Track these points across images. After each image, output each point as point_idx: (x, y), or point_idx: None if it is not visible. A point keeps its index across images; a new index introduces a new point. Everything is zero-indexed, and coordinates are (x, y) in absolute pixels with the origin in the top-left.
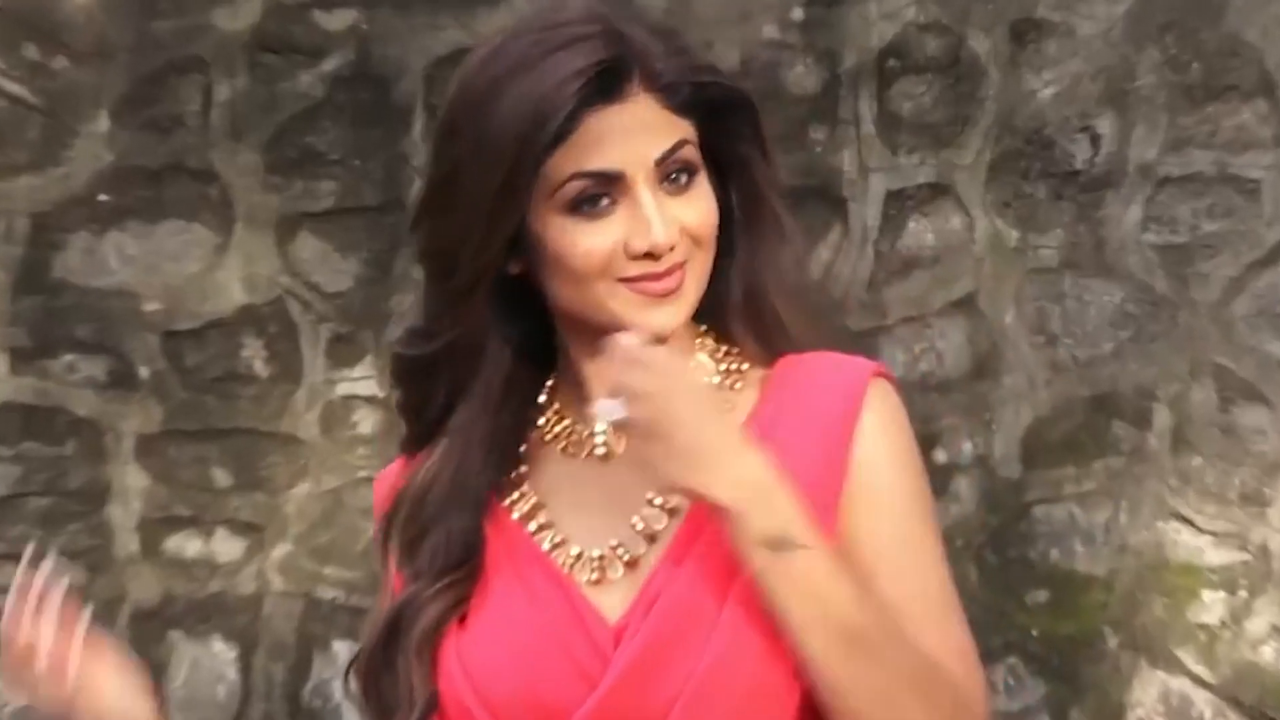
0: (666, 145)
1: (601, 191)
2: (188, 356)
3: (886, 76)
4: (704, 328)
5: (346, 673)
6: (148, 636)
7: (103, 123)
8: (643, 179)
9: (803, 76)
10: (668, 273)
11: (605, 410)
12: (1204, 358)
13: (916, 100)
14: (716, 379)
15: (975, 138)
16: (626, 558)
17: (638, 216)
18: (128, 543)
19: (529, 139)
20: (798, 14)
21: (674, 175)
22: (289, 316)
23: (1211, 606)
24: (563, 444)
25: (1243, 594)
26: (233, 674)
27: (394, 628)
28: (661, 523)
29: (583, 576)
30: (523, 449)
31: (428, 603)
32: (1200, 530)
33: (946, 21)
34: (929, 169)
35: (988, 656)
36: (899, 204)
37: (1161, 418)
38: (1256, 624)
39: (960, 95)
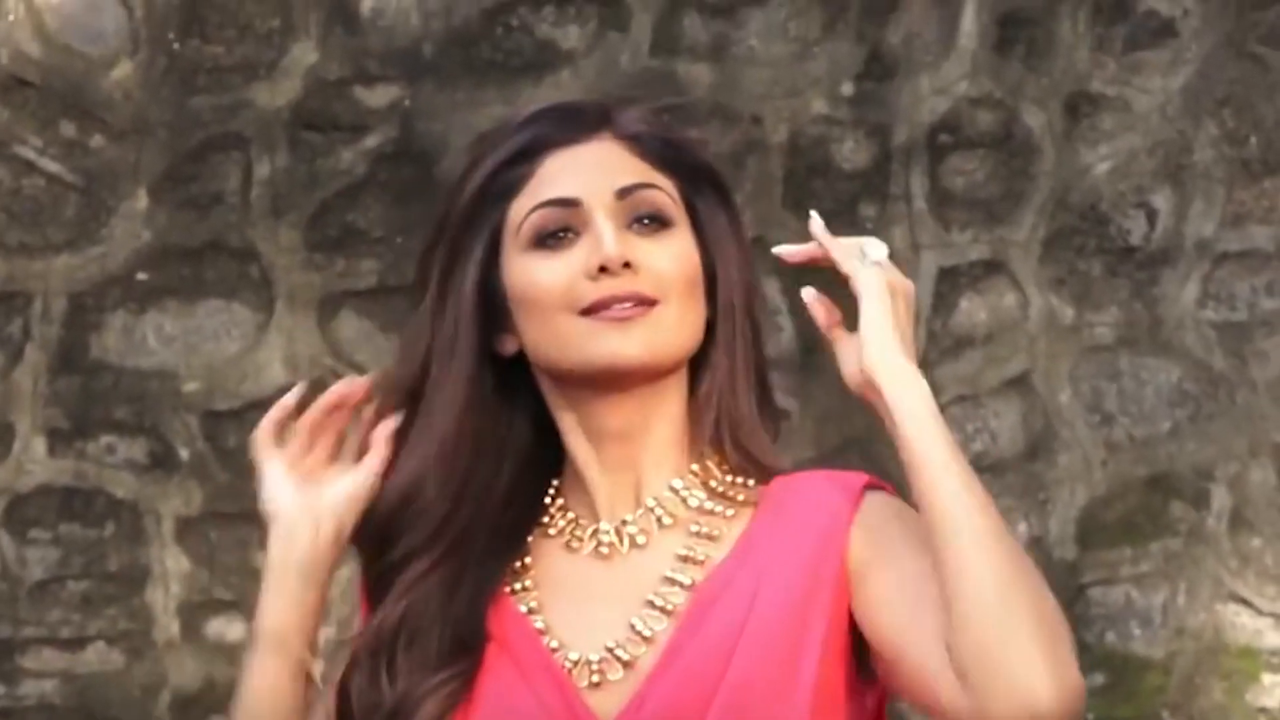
0: (630, 180)
1: (563, 224)
2: (228, 438)
3: (938, 152)
4: (706, 447)
5: None
6: None
7: (141, 200)
8: (601, 207)
9: (853, 152)
10: (628, 296)
11: (873, 248)
12: (1263, 437)
13: (969, 176)
14: (696, 501)
15: (1029, 214)
16: (625, 658)
17: (594, 237)
18: (168, 626)
19: (487, 185)
20: (848, 89)
21: (644, 219)
22: None
23: (1272, 690)
24: (566, 539)
25: None
26: None
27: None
28: (660, 624)
29: (583, 681)
30: (530, 539)
31: (425, 697)
32: (1260, 613)
33: (1000, 95)
34: (982, 246)
35: None
36: (952, 281)
37: (1220, 498)
38: None
39: (1014, 171)
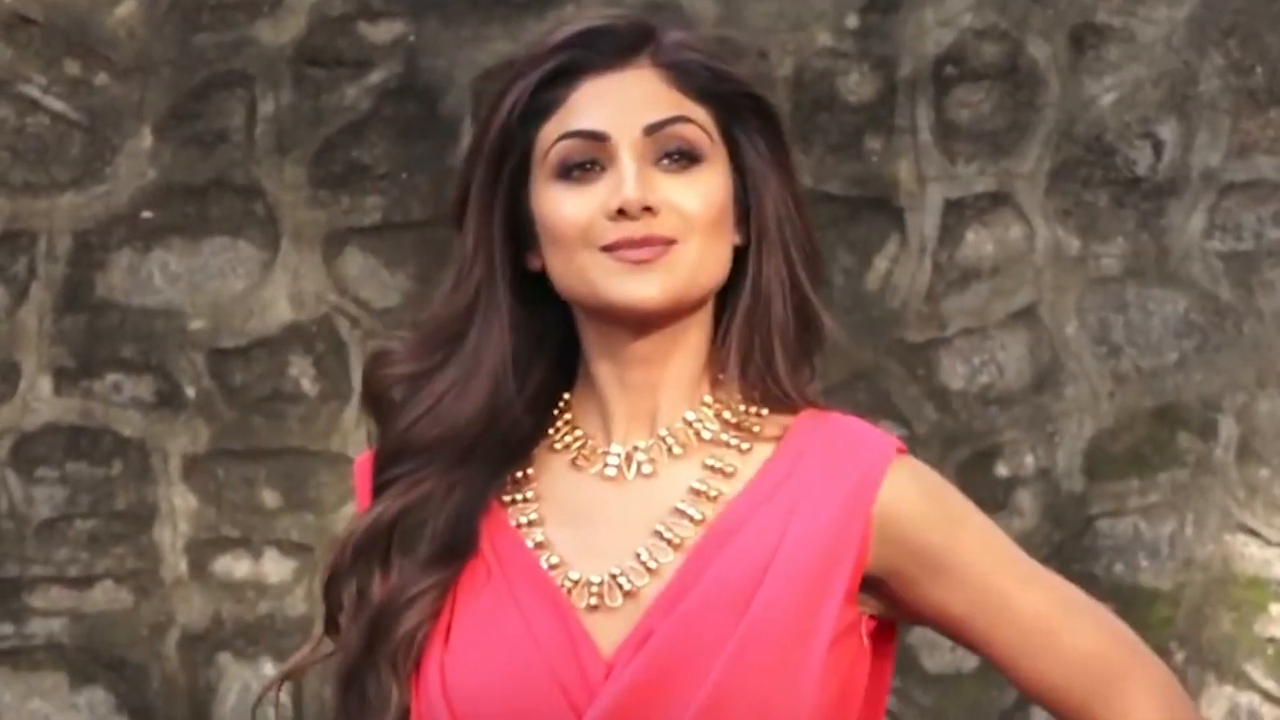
0: (660, 116)
1: (589, 157)
2: (235, 375)
3: (944, 84)
4: (727, 378)
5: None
6: (197, 660)
7: (145, 139)
8: (627, 144)
9: (858, 85)
10: (645, 240)
11: None
12: (1270, 367)
13: (974, 108)
14: (709, 434)
15: (1035, 145)
16: (627, 587)
17: (618, 176)
18: (176, 564)
19: (520, 101)
20: (852, 21)
21: (673, 154)
22: (337, 334)
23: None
24: (573, 455)
25: None
26: (284, 697)
27: (376, 624)
28: (667, 556)
29: (581, 602)
30: (533, 452)
31: (409, 605)
32: (1268, 543)
33: (1005, 27)
34: (988, 178)
35: None
36: (958, 214)
37: (1227, 428)
38: None
39: (1019, 102)
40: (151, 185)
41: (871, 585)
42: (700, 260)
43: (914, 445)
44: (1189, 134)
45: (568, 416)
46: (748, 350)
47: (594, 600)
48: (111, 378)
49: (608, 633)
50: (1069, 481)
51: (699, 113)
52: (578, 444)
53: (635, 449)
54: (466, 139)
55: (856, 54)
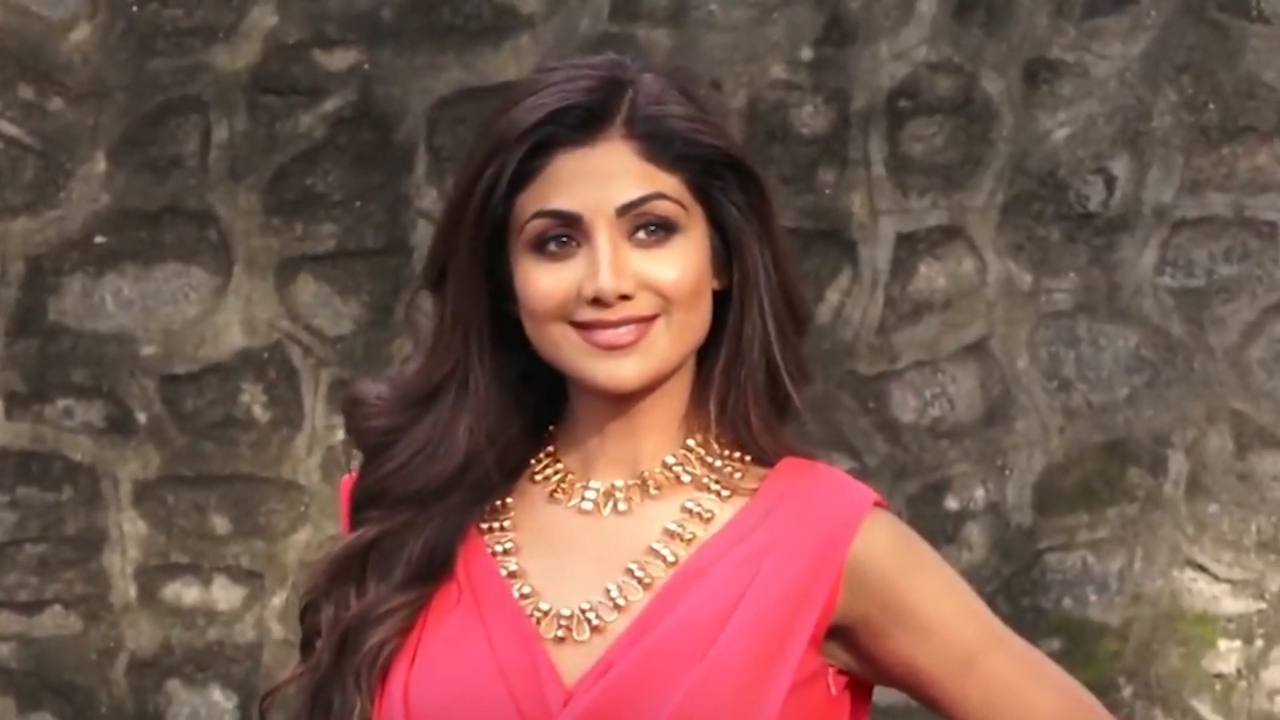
0: (634, 195)
1: (564, 233)
2: (186, 401)
3: (897, 117)
4: (709, 426)
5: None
6: (146, 686)
7: (99, 164)
8: (603, 224)
9: (812, 117)
10: (620, 323)
11: None
12: (1220, 403)
13: (928, 141)
14: (689, 478)
15: (988, 179)
16: (595, 622)
17: (592, 260)
18: (125, 590)
19: (498, 174)
20: (807, 54)
21: (649, 228)
22: (289, 361)
23: (1227, 656)
24: (551, 488)
25: (1259, 643)
26: None
27: (345, 642)
28: (636, 594)
29: (549, 633)
30: (515, 482)
31: (379, 622)
32: (1216, 579)
33: (959, 61)
34: (940, 211)
35: None
36: (910, 247)
37: (1177, 464)
38: (1274, 673)
39: (972, 136)
40: (105, 210)
41: (840, 635)
42: (680, 333)
43: (864, 477)
44: (1141, 170)
45: (550, 449)
46: (724, 400)
47: (561, 632)
48: (63, 403)
49: (572, 664)
50: (1018, 515)
51: (671, 183)
52: (557, 477)
53: (614, 486)
54: (420, 167)
55: (810, 86)
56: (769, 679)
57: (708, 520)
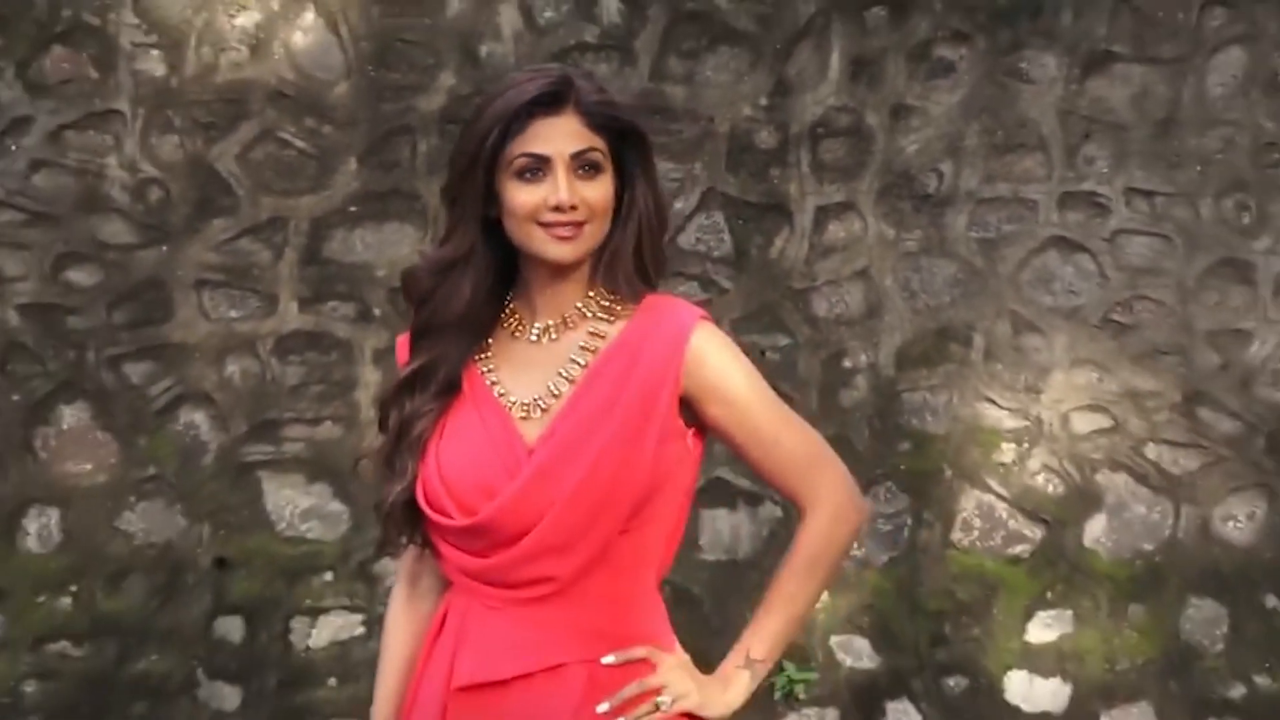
0: (579, 147)
1: (536, 166)
2: (401, 303)
3: (817, 138)
4: (599, 283)
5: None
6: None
7: (352, 164)
8: (561, 164)
9: (767, 138)
10: (568, 223)
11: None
12: (1003, 306)
13: (834, 153)
14: (590, 314)
15: (869, 175)
16: (543, 405)
17: (554, 185)
18: (367, 412)
19: (498, 130)
20: (764, 100)
21: (585, 167)
22: None
23: (1006, 452)
24: (513, 330)
25: (1025, 444)
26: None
27: (402, 428)
28: (564, 387)
29: (517, 415)
30: (494, 332)
31: (423, 414)
32: (1000, 407)
33: (853, 105)
34: (841, 193)
35: (874, 481)
36: (823, 214)
37: (978, 341)
38: (1033, 463)
39: (860, 150)
40: (355, 191)
41: (685, 405)
42: (596, 232)
43: (795, 351)
44: (959, 169)
45: (511, 307)
46: (611, 268)
47: (523, 414)
48: (330, 303)
49: (531, 432)
50: (886, 370)
51: (599, 141)
52: (515, 322)
53: (549, 324)
54: None
55: (766, 120)
56: (645, 433)
57: (603, 338)
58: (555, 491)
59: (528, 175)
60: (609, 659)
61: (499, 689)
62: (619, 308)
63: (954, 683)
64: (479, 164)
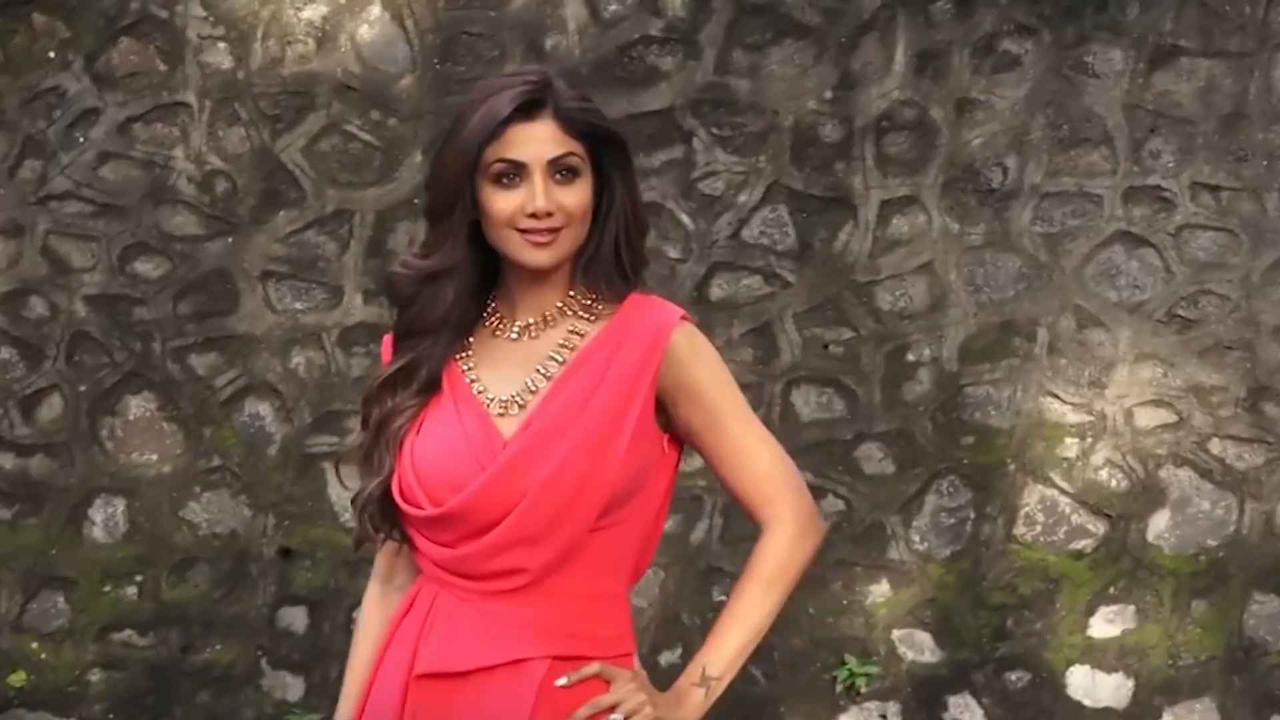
0: (557, 152)
1: (514, 172)
2: None
3: (881, 132)
4: (580, 283)
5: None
6: None
7: (417, 156)
8: (539, 169)
9: (832, 131)
10: (545, 230)
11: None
12: (1068, 301)
13: (899, 146)
14: (570, 312)
15: (934, 169)
16: (521, 402)
17: (531, 191)
18: None
19: (478, 136)
20: (829, 94)
21: (562, 172)
22: None
23: (1070, 447)
24: (494, 328)
25: (1089, 440)
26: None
27: (382, 423)
28: (542, 384)
29: (495, 411)
30: (475, 330)
31: (403, 411)
32: (1064, 402)
33: (917, 99)
34: (906, 187)
35: (937, 475)
36: (887, 208)
37: (1042, 335)
38: (1096, 458)
39: (925, 144)
40: (420, 184)
41: (660, 407)
42: (574, 237)
43: (859, 344)
44: (1023, 163)
45: (492, 306)
46: (591, 269)
47: (501, 410)
48: None
49: (508, 427)
50: (950, 365)
51: (577, 146)
52: (497, 322)
53: (529, 323)
54: None
55: (831, 114)
56: (620, 427)
57: (583, 336)
58: (527, 483)
59: (505, 180)
60: (561, 681)
61: (458, 679)
62: (600, 307)
63: (1015, 677)
64: (461, 173)
